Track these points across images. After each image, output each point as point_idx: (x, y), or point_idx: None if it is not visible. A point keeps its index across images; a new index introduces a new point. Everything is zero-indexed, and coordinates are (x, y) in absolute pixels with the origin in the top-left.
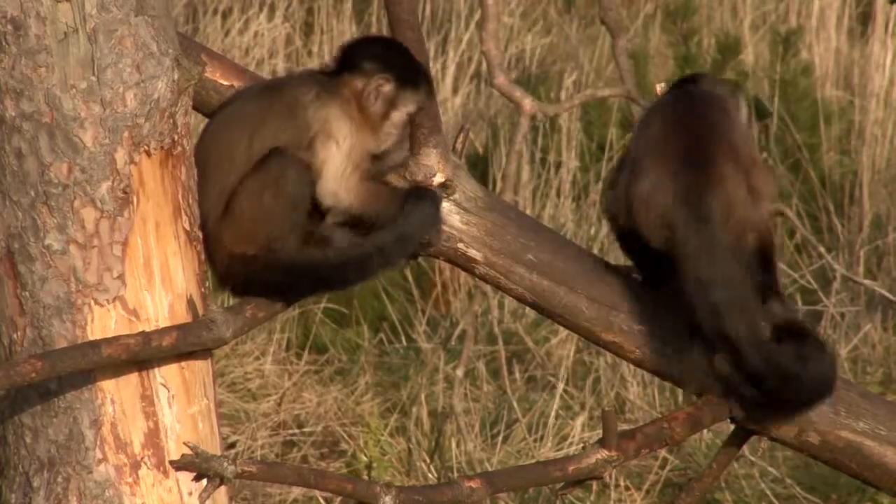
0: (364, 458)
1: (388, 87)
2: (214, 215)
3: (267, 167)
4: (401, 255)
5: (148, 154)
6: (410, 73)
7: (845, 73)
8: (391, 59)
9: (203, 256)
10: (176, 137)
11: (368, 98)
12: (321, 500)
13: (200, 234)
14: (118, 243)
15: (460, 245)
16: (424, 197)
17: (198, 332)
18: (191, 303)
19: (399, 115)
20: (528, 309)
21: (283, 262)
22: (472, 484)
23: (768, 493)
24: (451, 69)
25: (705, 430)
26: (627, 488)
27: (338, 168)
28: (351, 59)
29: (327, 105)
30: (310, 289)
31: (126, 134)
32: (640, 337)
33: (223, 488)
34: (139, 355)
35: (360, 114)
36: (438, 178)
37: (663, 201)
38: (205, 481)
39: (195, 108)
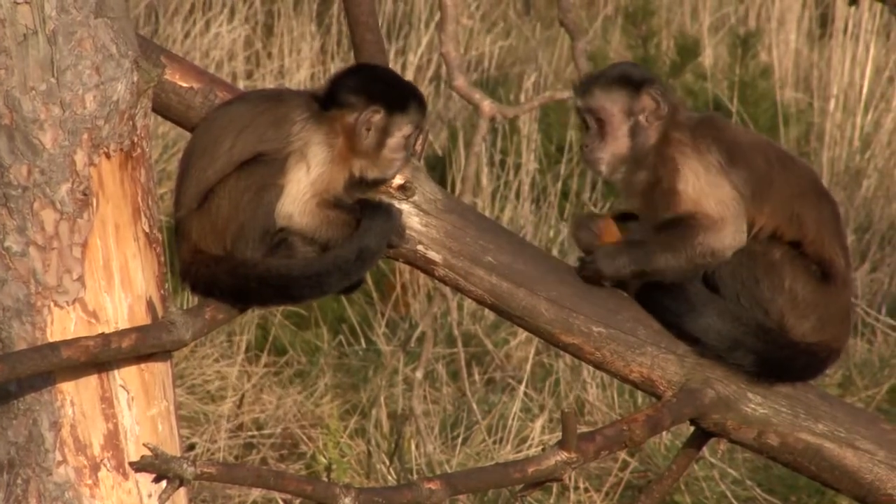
0: (323, 460)
1: (378, 117)
2: (188, 208)
3: (254, 171)
4: (359, 271)
5: (107, 156)
6: (398, 98)
7: (804, 76)
8: (376, 88)
9: (163, 259)
10: (135, 139)
11: (361, 132)
12: (280, 502)
13: (160, 236)
14: (78, 245)
15: (419, 247)
16: (381, 211)
17: (157, 334)
18: (150, 305)
19: (395, 141)
20: (487, 311)
21: (245, 268)
22: (432, 485)
23: (728, 494)
24: (411, 71)
25: (665, 432)
26: (587, 490)
27: (299, 191)
28: (339, 93)
29: (313, 129)
30: (267, 299)
31: (85, 136)
32: (599, 339)
33: (182, 490)
34: (99, 357)
35: (346, 147)
36: (398, 181)
37: None
38: (164, 483)
39: (155, 110)
